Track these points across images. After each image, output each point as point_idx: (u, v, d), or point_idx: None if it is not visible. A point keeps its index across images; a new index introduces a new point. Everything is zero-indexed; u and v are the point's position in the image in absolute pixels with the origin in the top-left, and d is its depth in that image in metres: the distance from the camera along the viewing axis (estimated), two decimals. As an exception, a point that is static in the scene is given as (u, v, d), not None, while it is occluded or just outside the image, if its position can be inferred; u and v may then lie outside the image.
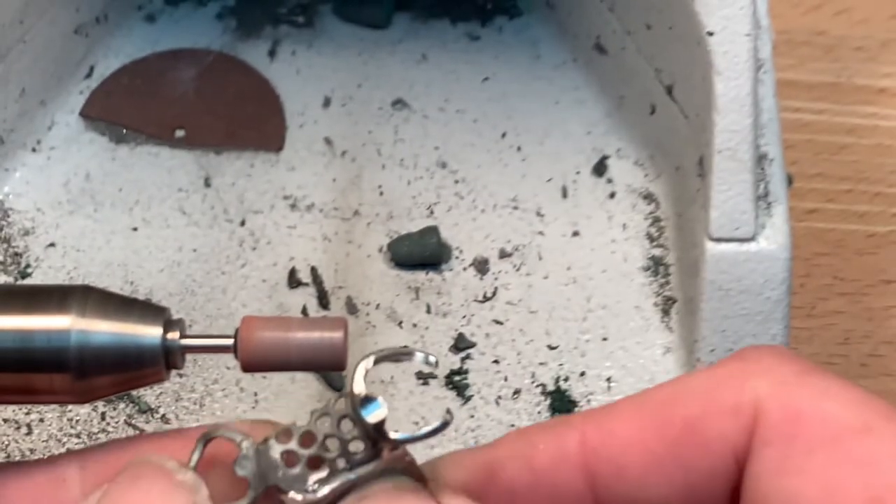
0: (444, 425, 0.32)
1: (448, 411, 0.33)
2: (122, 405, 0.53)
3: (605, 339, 0.56)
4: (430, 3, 0.69)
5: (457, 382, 0.55)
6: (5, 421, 0.52)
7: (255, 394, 0.54)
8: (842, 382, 0.31)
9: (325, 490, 0.32)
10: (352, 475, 0.32)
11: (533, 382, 0.55)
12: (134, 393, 0.53)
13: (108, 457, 0.34)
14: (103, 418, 0.52)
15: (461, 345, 0.56)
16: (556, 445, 0.33)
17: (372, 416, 0.32)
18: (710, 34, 0.53)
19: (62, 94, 0.63)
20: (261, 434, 0.33)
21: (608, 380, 0.55)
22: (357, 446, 0.33)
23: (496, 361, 0.56)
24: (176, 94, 0.65)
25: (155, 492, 0.31)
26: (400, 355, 0.34)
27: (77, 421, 0.52)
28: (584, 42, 0.65)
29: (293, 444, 0.33)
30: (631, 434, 0.32)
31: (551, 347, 0.56)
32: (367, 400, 0.32)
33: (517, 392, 0.55)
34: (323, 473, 0.32)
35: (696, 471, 0.32)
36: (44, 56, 0.61)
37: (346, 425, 0.33)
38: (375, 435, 0.32)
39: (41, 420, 0.52)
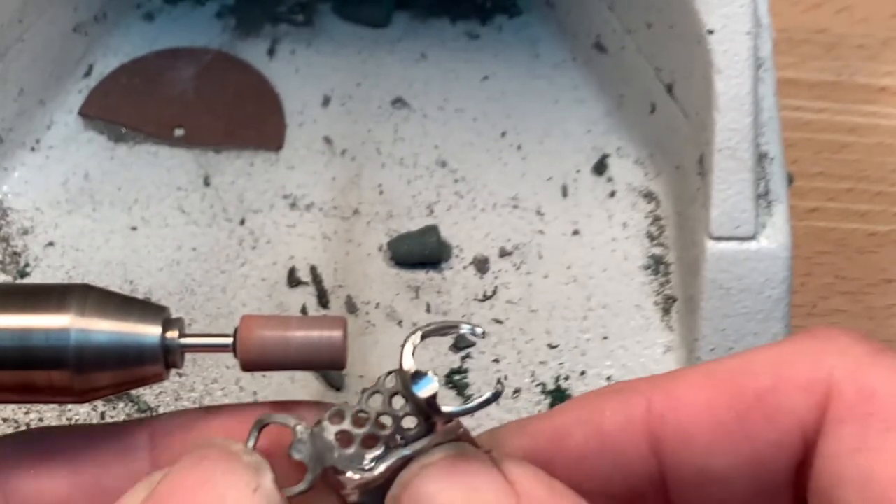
0: (496, 396, 0.33)
1: (499, 381, 0.33)
2: (121, 405, 0.53)
3: (605, 338, 0.56)
4: (430, 1, 0.69)
5: (457, 382, 0.55)
6: (4, 420, 0.52)
7: (255, 393, 0.54)
8: None
9: (381, 467, 0.33)
10: (407, 451, 0.33)
11: (533, 381, 0.55)
12: (133, 392, 0.53)
13: (177, 430, 0.35)
14: (103, 418, 0.52)
15: (461, 344, 0.56)
16: (623, 411, 0.33)
17: (424, 391, 0.32)
18: (711, 32, 0.53)
19: (61, 93, 0.63)
20: (313, 416, 0.33)
21: (608, 379, 0.55)
22: (410, 422, 0.33)
23: (496, 360, 0.56)
24: (175, 92, 0.65)
25: (219, 473, 0.31)
26: (447, 328, 0.34)
27: (76, 420, 0.52)
28: (584, 41, 0.65)
29: (347, 425, 0.33)
30: (699, 402, 0.32)
31: (551, 346, 0.56)
32: (418, 375, 0.32)
33: (517, 391, 0.55)
34: (378, 451, 0.33)
35: (763, 443, 0.32)
36: (42, 55, 0.61)
37: (398, 402, 0.33)
38: (428, 409, 0.32)
39: (41, 419, 0.52)
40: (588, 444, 0.33)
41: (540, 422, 0.34)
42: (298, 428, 0.33)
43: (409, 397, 0.33)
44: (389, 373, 0.34)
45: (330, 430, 0.33)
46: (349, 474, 0.33)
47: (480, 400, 0.33)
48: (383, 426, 0.33)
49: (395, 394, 0.34)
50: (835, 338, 0.33)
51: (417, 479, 0.32)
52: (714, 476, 0.32)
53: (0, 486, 0.34)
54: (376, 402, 0.34)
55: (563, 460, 0.33)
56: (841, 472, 0.30)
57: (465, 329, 0.34)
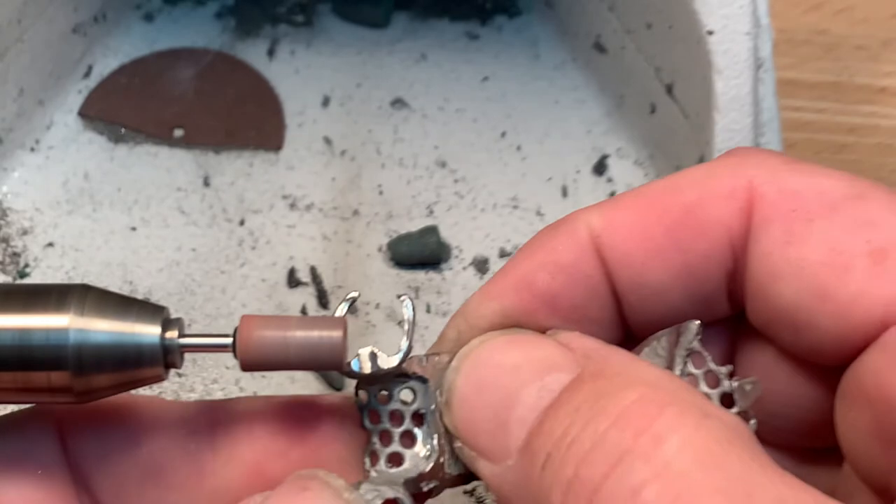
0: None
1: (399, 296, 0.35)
2: (120, 405, 0.53)
3: (605, 339, 0.56)
4: (430, 2, 0.69)
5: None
6: (4, 421, 0.52)
7: (255, 393, 0.54)
8: (828, 168, 0.33)
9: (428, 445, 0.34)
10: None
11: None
12: (133, 392, 0.53)
13: (238, 416, 0.35)
14: (102, 418, 0.52)
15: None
16: (572, 241, 0.34)
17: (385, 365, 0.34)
18: (710, 33, 0.53)
19: (61, 94, 0.63)
20: (352, 477, 0.34)
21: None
22: (408, 395, 0.35)
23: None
24: (175, 93, 0.65)
25: None
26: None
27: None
28: (584, 41, 0.65)
29: (382, 462, 0.35)
30: (632, 220, 0.34)
31: (551, 347, 0.56)
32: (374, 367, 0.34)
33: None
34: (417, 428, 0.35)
35: (694, 253, 0.33)
36: (42, 55, 0.61)
37: (395, 395, 0.35)
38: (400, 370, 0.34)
39: (40, 420, 0.52)
40: (554, 281, 0.34)
41: (500, 280, 0.35)
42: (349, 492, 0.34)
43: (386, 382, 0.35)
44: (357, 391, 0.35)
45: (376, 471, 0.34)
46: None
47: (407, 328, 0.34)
48: (401, 418, 0.35)
49: (383, 392, 0.35)
50: (752, 153, 0.35)
51: (477, 349, 0.33)
52: (652, 289, 0.34)
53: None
54: (383, 415, 0.35)
55: (538, 305, 0.34)
56: (774, 267, 0.32)
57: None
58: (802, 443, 0.34)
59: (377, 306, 0.57)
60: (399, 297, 0.35)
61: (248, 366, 0.34)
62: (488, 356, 0.33)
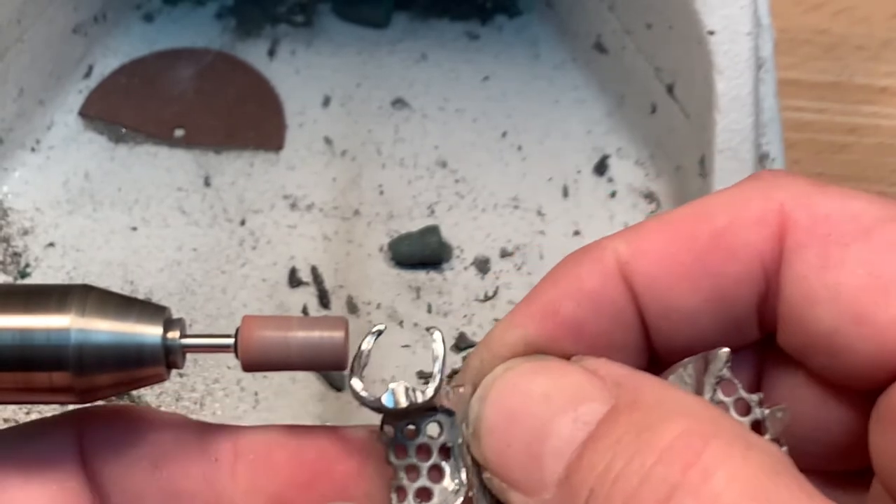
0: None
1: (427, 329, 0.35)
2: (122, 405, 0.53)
3: (606, 339, 0.56)
4: (430, 2, 0.69)
5: (457, 382, 0.55)
6: (5, 421, 0.52)
7: (256, 393, 0.54)
8: (856, 190, 0.33)
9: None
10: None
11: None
12: (134, 393, 0.53)
13: (261, 444, 0.35)
14: (103, 418, 0.52)
15: (462, 344, 0.56)
16: (597, 269, 0.34)
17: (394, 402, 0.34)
18: (711, 33, 0.53)
19: (61, 94, 0.63)
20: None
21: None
22: (434, 429, 0.34)
23: (497, 361, 0.56)
24: (175, 93, 0.65)
25: None
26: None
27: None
28: (584, 41, 0.65)
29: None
30: (659, 247, 0.33)
31: (552, 347, 0.56)
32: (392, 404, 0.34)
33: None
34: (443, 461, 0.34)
35: (725, 277, 0.33)
36: (42, 55, 0.61)
37: (422, 430, 0.34)
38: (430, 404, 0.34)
39: (40, 420, 0.52)
40: (580, 309, 0.34)
41: (524, 308, 0.35)
42: None
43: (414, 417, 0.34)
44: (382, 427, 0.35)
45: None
46: None
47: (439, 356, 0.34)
48: (428, 451, 0.34)
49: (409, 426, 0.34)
50: (779, 176, 0.34)
51: (502, 377, 0.33)
52: (682, 314, 0.33)
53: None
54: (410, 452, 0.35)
55: (563, 333, 0.34)
56: (809, 292, 0.32)
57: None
58: (829, 466, 0.34)
59: (378, 306, 0.57)
60: (429, 329, 0.34)
61: (250, 366, 0.34)
62: (515, 384, 0.33)
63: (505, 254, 0.59)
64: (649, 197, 0.61)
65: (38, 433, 0.35)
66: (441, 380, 0.34)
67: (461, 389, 0.34)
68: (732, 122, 0.53)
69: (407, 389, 0.34)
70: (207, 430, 0.36)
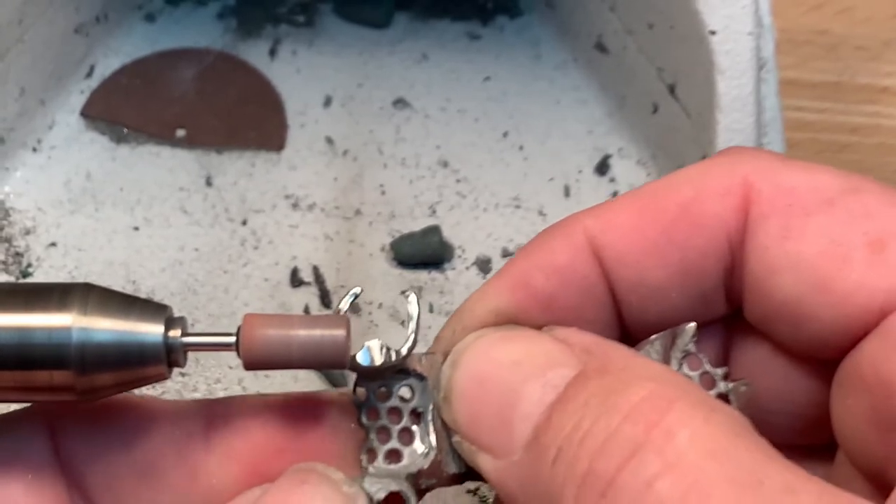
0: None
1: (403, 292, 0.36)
2: (123, 404, 0.53)
3: (607, 339, 0.56)
4: (431, 2, 0.69)
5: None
6: (6, 420, 0.52)
7: (258, 392, 0.54)
8: (819, 164, 0.34)
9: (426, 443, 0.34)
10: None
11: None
12: (136, 391, 0.53)
13: (233, 414, 0.35)
14: (104, 418, 0.52)
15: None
16: (568, 242, 0.34)
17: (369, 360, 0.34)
18: (713, 33, 0.53)
19: (62, 94, 0.63)
20: (349, 473, 0.34)
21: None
22: (407, 391, 0.35)
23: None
24: (176, 93, 0.65)
25: (319, 499, 0.32)
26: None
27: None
28: (586, 41, 0.65)
29: (380, 460, 0.34)
30: (628, 220, 0.34)
31: (553, 347, 0.56)
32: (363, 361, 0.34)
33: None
34: (416, 425, 0.35)
35: (691, 251, 0.33)
36: (44, 55, 0.61)
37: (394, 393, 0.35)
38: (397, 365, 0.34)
39: (42, 420, 0.52)
40: (550, 282, 0.34)
41: (496, 282, 0.35)
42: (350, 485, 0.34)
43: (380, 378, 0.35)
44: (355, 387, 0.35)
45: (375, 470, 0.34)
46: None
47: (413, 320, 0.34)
48: (399, 414, 0.35)
49: (381, 389, 0.35)
50: (746, 151, 0.35)
51: (474, 344, 0.33)
52: (651, 288, 0.34)
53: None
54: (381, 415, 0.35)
55: (533, 305, 0.34)
56: (772, 261, 0.32)
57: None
58: (795, 440, 0.34)
59: (380, 306, 0.57)
60: (404, 292, 0.35)
61: (252, 364, 0.34)
62: (485, 351, 0.33)
63: (506, 254, 0.59)
64: (651, 197, 0.61)
65: (10, 424, 0.35)
66: (415, 339, 0.34)
67: (434, 357, 0.35)
68: (734, 122, 0.53)
69: (382, 347, 0.34)
70: (179, 406, 0.36)
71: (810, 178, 0.33)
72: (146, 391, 0.53)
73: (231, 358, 0.35)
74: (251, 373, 0.51)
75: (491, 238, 0.60)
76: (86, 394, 0.34)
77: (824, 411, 0.33)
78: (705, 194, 0.33)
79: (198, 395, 0.54)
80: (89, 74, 0.65)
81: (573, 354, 0.32)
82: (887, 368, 0.30)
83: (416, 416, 0.35)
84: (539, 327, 0.34)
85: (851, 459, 0.32)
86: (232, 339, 0.34)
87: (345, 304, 0.34)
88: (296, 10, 0.69)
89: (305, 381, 0.54)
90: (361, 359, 0.34)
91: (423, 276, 0.58)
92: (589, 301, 0.34)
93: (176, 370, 0.35)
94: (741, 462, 0.27)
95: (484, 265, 0.59)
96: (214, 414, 0.35)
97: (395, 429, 0.35)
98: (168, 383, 0.53)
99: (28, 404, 0.36)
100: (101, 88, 0.64)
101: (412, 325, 0.34)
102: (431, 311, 0.57)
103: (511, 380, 0.32)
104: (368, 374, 0.34)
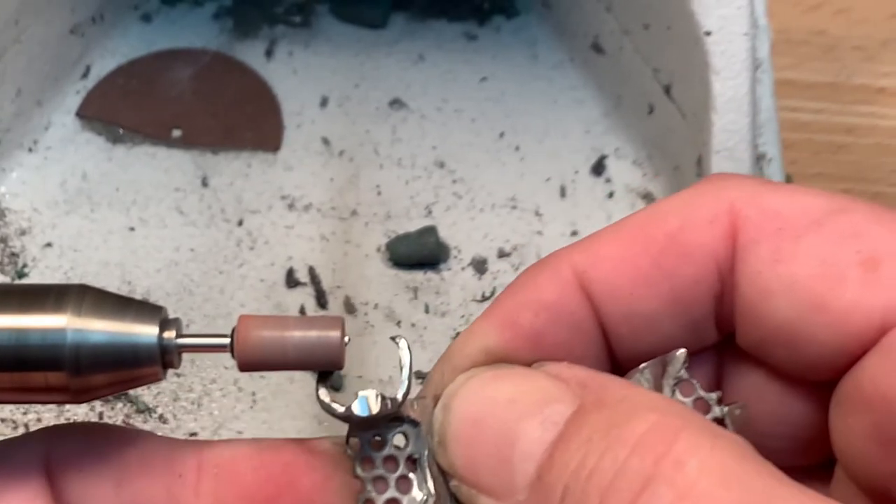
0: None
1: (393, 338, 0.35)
2: (119, 405, 0.53)
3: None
4: (427, 2, 0.69)
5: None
6: (3, 421, 0.52)
7: (254, 393, 0.54)
8: (804, 186, 0.34)
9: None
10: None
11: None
12: (131, 392, 0.53)
13: (225, 459, 0.35)
14: (101, 418, 0.52)
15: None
16: (555, 278, 0.34)
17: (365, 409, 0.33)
18: (708, 34, 0.53)
19: (58, 94, 0.63)
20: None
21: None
22: (401, 440, 0.34)
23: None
24: (173, 94, 0.65)
25: None
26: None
27: (74, 421, 0.52)
28: (582, 42, 0.65)
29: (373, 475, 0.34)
30: (616, 253, 0.34)
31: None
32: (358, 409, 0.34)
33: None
34: (411, 472, 0.34)
35: (681, 279, 0.33)
36: (39, 56, 0.61)
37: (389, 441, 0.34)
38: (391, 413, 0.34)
39: (38, 420, 0.52)
40: (538, 319, 0.34)
41: (483, 321, 0.35)
42: None
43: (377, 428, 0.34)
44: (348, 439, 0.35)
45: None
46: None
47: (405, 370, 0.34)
48: (396, 463, 0.34)
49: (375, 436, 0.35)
50: (729, 178, 0.35)
51: (465, 385, 0.33)
52: (642, 319, 0.34)
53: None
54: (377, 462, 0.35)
55: (522, 343, 0.34)
56: (764, 286, 0.32)
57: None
58: (790, 460, 0.34)
59: (376, 306, 0.57)
60: (393, 338, 0.34)
61: (246, 366, 0.34)
62: (478, 391, 0.33)
63: (502, 254, 0.59)
64: (647, 197, 0.61)
65: (5, 452, 0.35)
66: (409, 386, 0.34)
67: (425, 401, 0.34)
68: (729, 123, 0.53)
69: (377, 395, 0.33)
70: (172, 446, 0.35)
71: (796, 201, 0.33)
72: (142, 391, 0.53)
73: (226, 359, 0.35)
74: (246, 374, 0.52)
75: (487, 238, 0.60)
76: (80, 394, 0.34)
77: (820, 431, 0.33)
78: (692, 223, 0.33)
79: (193, 396, 0.54)
80: (85, 75, 0.65)
81: (568, 389, 0.31)
82: (889, 385, 0.30)
83: (413, 462, 0.34)
84: (529, 364, 0.34)
85: (853, 477, 0.32)
86: (227, 341, 0.34)
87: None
88: (292, 11, 0.69)
89: (301, 382, 0.54)
90: (359, 409, 0.33)
91: (419, 276, 0.58)
92: (578, 336, 0.34)
93: (171, 371, 0.35)
94: (753, 487, 0.27)
95: (480, 266, 0.59)
96: (207, 457, 0.35)
97: (392, 477, 0.34)
98: (163, 384, 0.53)
99: (24, 434, 0.36)
100: (97, 89, 0.64)
101: (405, 372, 0.34)
102: (427, 311, 0.57)
103: (507, 419, 0.31)
104: (362, 425, 0.34)
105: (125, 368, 0.33)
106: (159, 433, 0.51)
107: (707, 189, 0.34)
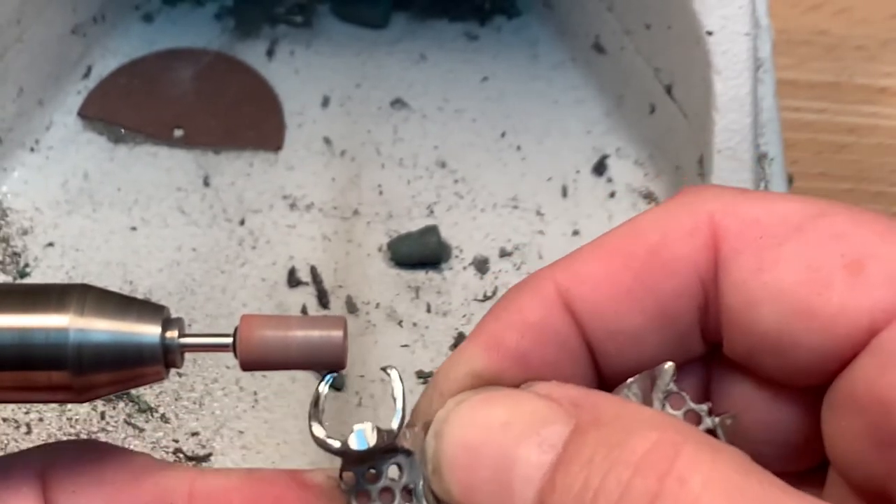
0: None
1: (384, 369, 0.35)
2: (121, 404, 0.53)
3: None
4: (429, 2, 0.69)
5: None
6: (5, 420, 0.52)
7: (255, 393, 0.54)
8: (781, 193, 0.33)
9: None
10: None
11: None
12: (133, 392, 0.53)
13: (217, 489, 0.35)
14: (103, 417, 0.52)
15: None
16: (538, 299, 0.34)
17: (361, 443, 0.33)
18: (709, 33, 0.53)
19: (60, 94, 0.63)
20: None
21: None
22: (394, 471, 0.34)
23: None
24: (174, 93, 0.65)
25: None
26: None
27: (76, 420, 0.52)
28: (583, 42, 0.65)
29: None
30: (597, 270, 0.34)
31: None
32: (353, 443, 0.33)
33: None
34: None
35: (664, 293, 0.33)
36: (41, 56, 0.61)
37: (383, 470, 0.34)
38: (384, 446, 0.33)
39: (41, 419, 0.52)
40: (524, 340, 0.34)
41: (471, 344, 0.35)
42: None
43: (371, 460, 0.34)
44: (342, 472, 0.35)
45: None
46: None
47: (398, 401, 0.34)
48: (392, 494, 0.34)
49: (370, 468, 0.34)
50: (705, 189, 0.35)
51: (455, 411, 0.33)
52: (627, 335, 0.34)
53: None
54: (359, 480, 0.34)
55: (508, 365, 0.34)
56: (750, 294, 0.32)
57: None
58: (784, 468, 0.34)
59: (377, 306, 0.57)
60: (384, 368, 0.34)
61: (249, 365, 0.34)
62: (470, 416, 0.32)
63: (504, 253, 0.59)
64: (648, 197, 0.61)
65: (2, 468, 0.35)
66: (403, 415, 0.33)
67: (415, 430, 0.34)
68: (731, 123, 0.53)
69: (373, 428, 0.33)
70: (166, 472, 0.35)
71: (775, 208, 0.33)
72: (144, 391, 0.53)
73: (229, 358, 0.35)
74: (248, 373, 0.52)
75: (489, 238, 0.60)
76: (83, 393, 0.34)
77: (811, 436, 0.33)
78: (672, 236, 0.33)
79: (195, 395, 0.54)
80: (87, 75, 0.65)
81: (561, 409, 0.31)
82: (882, 385, 0.30)
83: (409, 493, 0.34)
84: (517, 386, 0.34)
85: (847, 480, 0.32)
86: (229, 340, 0.34)
87: (323, 388, 0.34)
88: (293, 11, 0.69)
89: (303, 382, 0.54)
90: (356, 443, 0.33)
91: (420, 276, 0.58)
92: (565, 354, 0.34)
93: (173, 370, 0.35)
94: (757, 499, 0.27)
95: (481, 265, 0.59)
96: (199, 487, 0.35)
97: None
98: (165, 383, 0.53)
99: (21, 450, 0.36)
100: (98, 89, 0.64)
101: (399, 403, 0.34)
102: (429, 310, 0.57)
103: (503, 443, 0.31)
104: (357, 459, 0.34)
105: (127, 368, 0.34)
106: (161, 432, 0.52)
107: (685, 201, 0.34)
